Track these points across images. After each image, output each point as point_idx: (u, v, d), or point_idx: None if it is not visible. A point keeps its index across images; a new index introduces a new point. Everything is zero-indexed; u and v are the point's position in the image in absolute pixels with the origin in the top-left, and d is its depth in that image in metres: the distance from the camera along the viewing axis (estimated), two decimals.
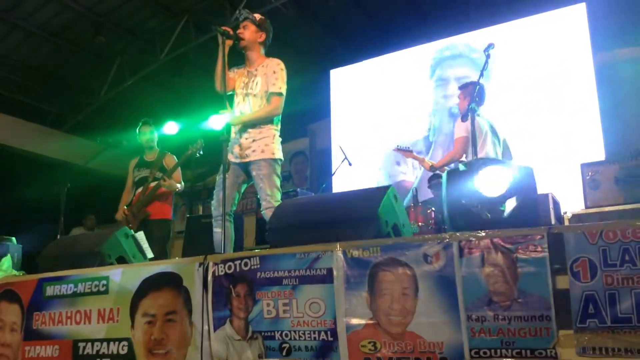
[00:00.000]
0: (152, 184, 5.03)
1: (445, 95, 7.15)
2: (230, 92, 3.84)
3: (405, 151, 5.28)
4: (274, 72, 3.75)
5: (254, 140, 3.72)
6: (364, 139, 7.76)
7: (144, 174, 5.12)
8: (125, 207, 5.06)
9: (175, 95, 8.65)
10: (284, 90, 3.75)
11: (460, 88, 4.68)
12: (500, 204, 2.59)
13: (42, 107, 9.13)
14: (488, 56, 4.18)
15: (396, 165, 7.18)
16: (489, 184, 2.61)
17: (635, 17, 6.22)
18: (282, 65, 3.79)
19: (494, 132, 4.43)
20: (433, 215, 5.32)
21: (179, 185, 5.10)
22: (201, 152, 4.98)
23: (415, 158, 5.31)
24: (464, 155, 4.46)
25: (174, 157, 5.24)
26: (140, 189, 5.06)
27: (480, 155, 4.11)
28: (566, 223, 4.49)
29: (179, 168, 5.16)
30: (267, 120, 3.77)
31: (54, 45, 7.96)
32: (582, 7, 6.50)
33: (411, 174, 7.07)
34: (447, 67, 7.22)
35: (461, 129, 4.40)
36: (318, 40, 7.60)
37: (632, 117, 6.37)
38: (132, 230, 3.73)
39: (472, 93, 4.22)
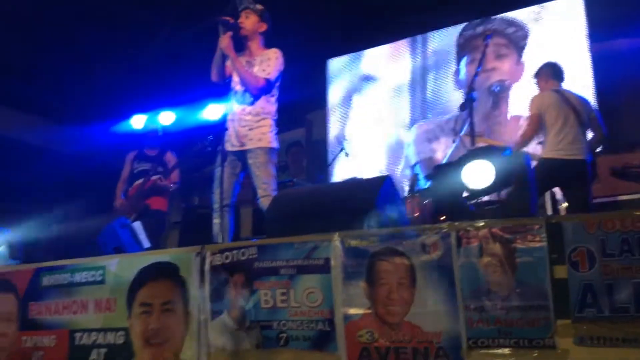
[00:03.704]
0: (154, 178, 5.05)
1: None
2: (227, 79, 3.83)
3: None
4: (269, 59, 3.78)
5: (250, 129, 3.72)
6: (362, 129, 7.73)
7: (144, 167, 5.14)
8: (122, 198, 5.07)
9: (172, 84, 8.60)
10: (272, 77, 3.76)
11: (534, 76, 4.59)
12: (487, 194, 2.61)
13: (33, 96, 9.04)
14: (487, 45, 4.18)
15: (427, 142, 7.11)
16: (476, 177, 2.63)
17: (631, 8, 6.20)
18: (279, 54, 3.79)
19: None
20: (430, 206, 5.31)
21: (172, 185, 5.13)
22: (209, 149, 5.01)
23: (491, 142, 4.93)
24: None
25: (174, 154, 5.25)
26: (140, 181, 5.09)
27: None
28: (562, 214, 4.50)
29: (175, 157, 5.17)
30: (263, 109, 3.77)
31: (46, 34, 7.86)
32: None
33: (442, 152, 6.97)
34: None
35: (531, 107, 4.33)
36: (315, 29, 7.55)
37: (628, 108, 6.36)
38: (129, 220, 3.72)
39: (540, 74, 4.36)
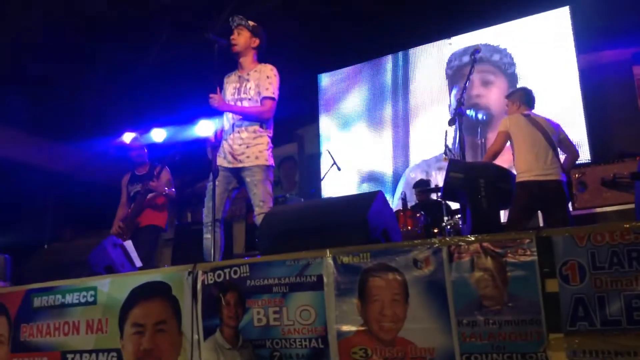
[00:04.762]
0: (149, 196, 5.09)
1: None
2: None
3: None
4: (268, 77, 3.76)
5: (247, 147, 3.70)
6: (352, 143, 7.77)
7: (137, 188, 5.14)
8: (120, 222, 5.07)
9: (163, 101, 8.60)
10: (276, 96, 3.76)
11: (506, 97, 4.67)
12: None
13: (23, 113, 9.00)
14: (474, 60, 4.21)
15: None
16: None
17: (617, 20, 6.28)
18: (276, 71, 3.80)
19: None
20: (422, 220, 5.33)
21: (166, 188, 5.09)
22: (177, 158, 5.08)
23: None
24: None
25: (167, 168, 5.23)
26: (132, 206, 5.11)
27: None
28: None
29: (169, 173, 5.17)
30: (261, 126, 3.76)
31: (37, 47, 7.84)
32: (565, 10, 6.56)
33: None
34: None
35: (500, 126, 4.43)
36: (306, 44, 7.60)
37: (616, 118, 6.43)
38: (120, 239, 3.70)
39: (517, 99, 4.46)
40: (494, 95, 6.71)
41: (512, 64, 6.69)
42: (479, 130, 6.51)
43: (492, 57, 6.74)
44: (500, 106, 6.50)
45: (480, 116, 6.60)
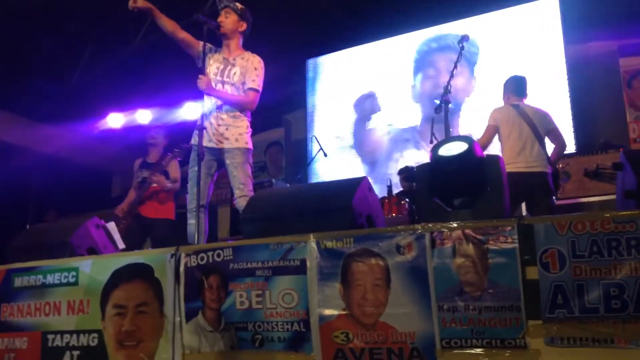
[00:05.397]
0: (153, 187, 5.12)
1: (435, 85, 7.10)
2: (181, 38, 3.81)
3: None
4: (255, 69, 3.79)
5: (227, 128, 3.73)
6: (340, 129, 7.76)
7: (144, 174, 5.13)
8: (125, 206, 5.11)
9: (149, 83, 8.51)
10: (260, 88, 3.81)
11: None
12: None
13: (9, 93, 8.88)
14: (462, 48, 4.21)
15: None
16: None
17: (606, 11, 6.31)
18: (263, 64, 3.84)
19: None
20: (407, 207, 5.36)
21: (169, 184, 5.08)
22: (180, 159, 5.07)
23: None
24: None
25: (176, 160, 5.20)
26: (138, 191, 5.14)
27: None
28: None
29: (178, 166, 5.16)
30: (240, 111, 3.79)
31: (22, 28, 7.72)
32: (554, 0, 6.57)
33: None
34: (438, 59, 7.21)
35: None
36: (294, 28, 7.55)
37: (602, 110, 6.48)
38: (102, 220, 3.68)
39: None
40: (459, 84, 6.74)
41: (477, 53, 6.85)
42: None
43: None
44: (466, 93, 6.70)
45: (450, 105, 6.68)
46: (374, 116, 7.57)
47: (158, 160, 5.19)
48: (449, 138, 3.25)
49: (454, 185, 2.64)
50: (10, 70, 8.33)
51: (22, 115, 9.10)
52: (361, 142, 7.62)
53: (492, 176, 2.59)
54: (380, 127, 7.50)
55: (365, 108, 7.65)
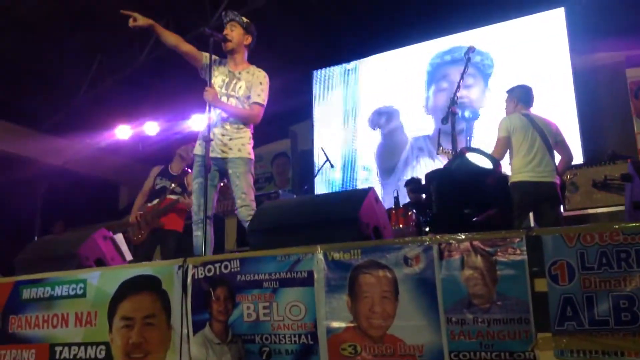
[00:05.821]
0: (171, 197, 5.04)
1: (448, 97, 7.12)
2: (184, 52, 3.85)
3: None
4: (260, 84, 3.83)
5: (230, 139, 3.78)
6: (346, 140, 7.77)
7: (164, 184, 5.11)
8: (138, 212, 5.04)
9: (156, 96, 8.57)
10: (265, 103, 3.85)
11: (507, 92, 4.62)
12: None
13: (17, 105, 8.96)
14: (468, 59, 4.22)
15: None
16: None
17: (612, 21, 6.31)
18: (268, 79, 3.88)
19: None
20: (414, 217, 5.35)
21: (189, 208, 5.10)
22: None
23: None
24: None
25: (191, 174, 5.21)
26: (157, 199, 5.04)
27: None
28: None
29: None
30: (244, 123, 3.84)
31: (31, 40, 7.80)
32: (560, 11, 6.58)
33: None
34: (451, 72, 7.24)
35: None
36: (300, 40, 7.59)
37: (609, 120, 6.47)
38: (111, 232, 3.69)
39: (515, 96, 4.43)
40: (474, 96, 6.83)
41: (491, 66, 6.88)
42: (465, 127, 6.60)
43: (474, 58, 6.88)
44: (480, 104, 6.71)
45: (467, 114, 6.71)
46: (383, 126, 7.58)
47: (180, 173, 5.19)
48: (471, 149, 3.26)
49: (471, 196, 2.63)
50: (19, 82, 8.42)
51: (29, 127, 9.18)
52: (370, 152, 7.62)
53: (503, 195, 2.59)
54: (390, 137, 7.52)
55: (373, 119, 7.67)
